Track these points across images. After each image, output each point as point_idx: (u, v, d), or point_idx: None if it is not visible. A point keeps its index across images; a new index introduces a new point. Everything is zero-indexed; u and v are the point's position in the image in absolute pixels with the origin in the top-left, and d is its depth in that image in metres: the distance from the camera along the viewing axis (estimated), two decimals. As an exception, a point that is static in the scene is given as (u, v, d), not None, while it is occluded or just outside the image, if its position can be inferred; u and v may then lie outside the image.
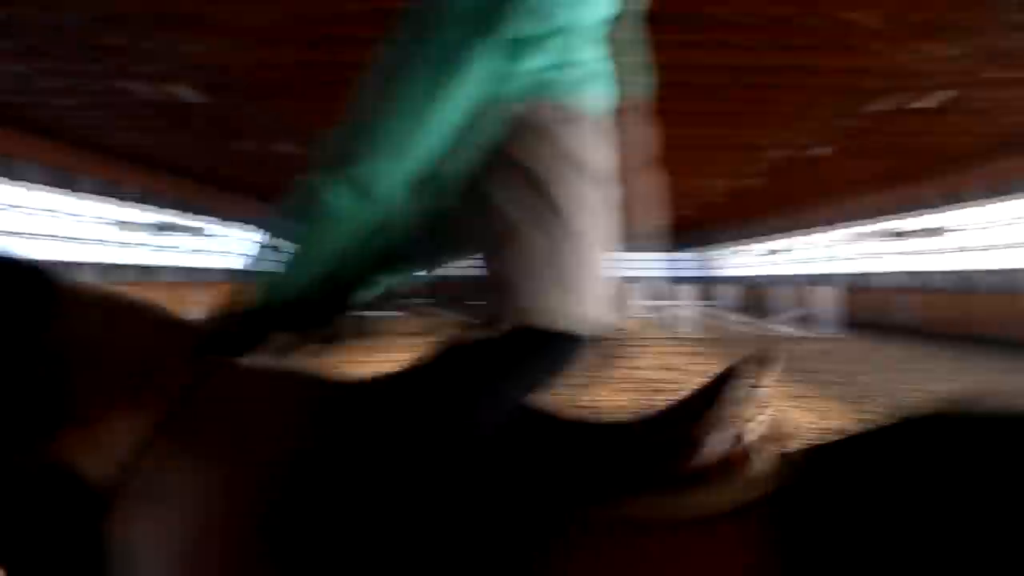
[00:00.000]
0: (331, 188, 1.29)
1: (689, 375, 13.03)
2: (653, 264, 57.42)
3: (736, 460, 1.35)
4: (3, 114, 18.11)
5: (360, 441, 1.25)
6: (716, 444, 1.36)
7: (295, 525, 1.15)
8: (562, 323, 1.36)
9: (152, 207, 26.71)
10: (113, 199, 24.50)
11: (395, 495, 1.18)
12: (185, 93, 15.31)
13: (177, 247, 28.89)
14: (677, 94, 15.92)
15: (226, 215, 32.62)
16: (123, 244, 25.12)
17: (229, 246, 32.65)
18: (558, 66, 1.33)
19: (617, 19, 1.50)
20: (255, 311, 1.40)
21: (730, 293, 38.07)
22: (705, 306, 30.08)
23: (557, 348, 1.37)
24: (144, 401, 1.34)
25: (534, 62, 1.32)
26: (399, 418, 1.29)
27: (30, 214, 20.67)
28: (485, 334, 1.37)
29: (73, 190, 22.42)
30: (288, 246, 1.36)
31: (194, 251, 30.26)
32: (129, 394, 1.32)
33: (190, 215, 29.54)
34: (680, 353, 17.26)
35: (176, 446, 1.26)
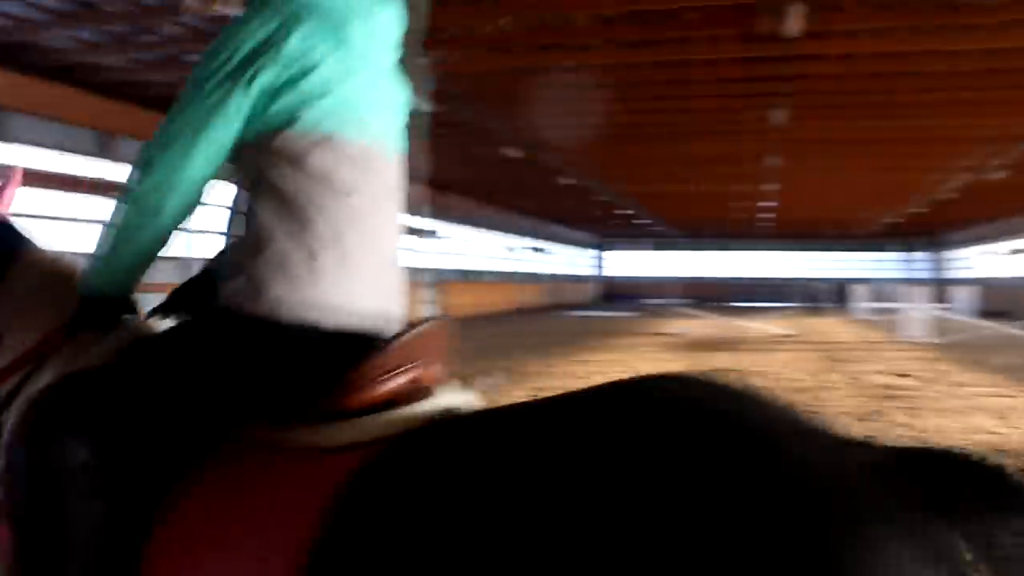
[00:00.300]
0: (126, 199, 1.65)
1: (925, 382, 12.47)
2: (883, 265, 54.24)
3: (398, 399, 1.56)
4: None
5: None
6: (381, 386, 1.56)
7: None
8: (304, 314, 1.61)
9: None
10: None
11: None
12: (418, 102, 16.19)
13: (413, 249, 30.44)
14: (909, 85, 15.07)
15: (458, 218, 34.07)
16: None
17: (461, 247, 34.11)
18: (309, 102, 1.61)
19: (383, 52, 1.81)
20: (90, 293, 1.71)
21: (967, 295, 35.32)
22: (939, 309, 28.12)
23: (295, 335, 1.61)
24: (13, 360, 1.72)
25: (286, 102, 1.60)
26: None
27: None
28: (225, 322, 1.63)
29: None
30: (107, 239, 1.68)
31: (429, 253, 31.78)
32: (10, 349, 1.73)
33: (423, 219, 30.94)
34: (914, 358, 16.34)
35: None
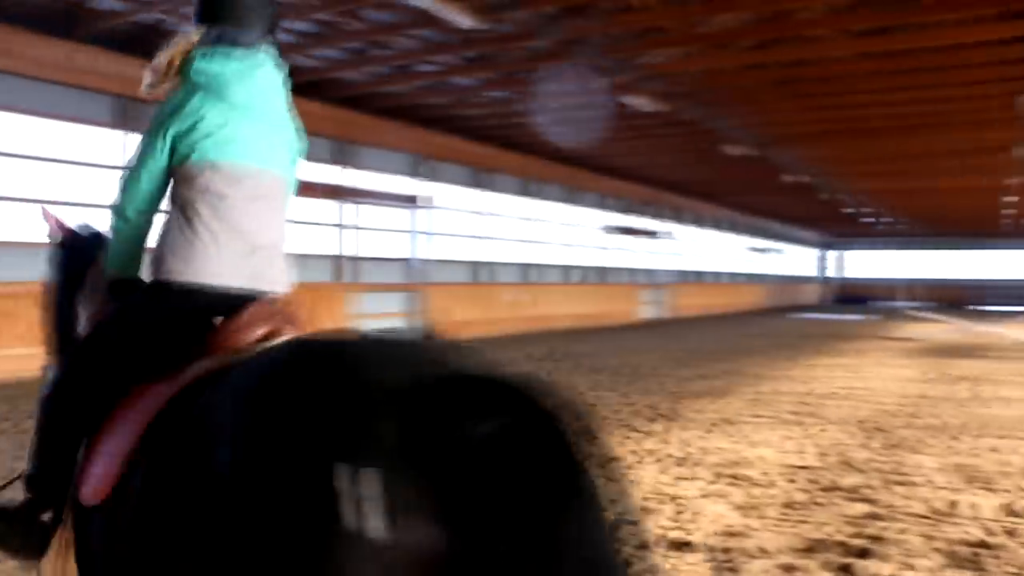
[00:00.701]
0: (112, 213, 2.52)
1: None
2: None
3: (248, 347, 2.25)
4: (488, 134, 20.69)
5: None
6: (235, 336, 2.28)
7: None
8: (185, 281, 2.40)
9: (610, 211, 28.65)
10: (572, 204, 26.74)
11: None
12: (641, 102, 16.18)
13: (632, 250, 30.56)
14: None
15: (682, 218, 33.88)
16: (583, 246, 27.31)
17: (685, 248, 33.80)
18: (199, 141, 2.40)
19: (264, 100, 2.55)
20: (108, 276, 2.62)
21: None
22: None
23: (186, 296, 2.41)
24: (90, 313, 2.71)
25: (186, 143, 2.41)
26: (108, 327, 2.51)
27: (504, 219, 23.38)
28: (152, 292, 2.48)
29: (540, 197, 24.92)
30: (111, 242, 2.58)
31: (650, 253, 31.80)
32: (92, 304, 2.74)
33: (648, 220, 31.10)
34: None
35: None
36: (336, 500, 1.37)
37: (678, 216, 34.97)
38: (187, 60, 2.50)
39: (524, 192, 24.16)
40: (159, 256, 2.45)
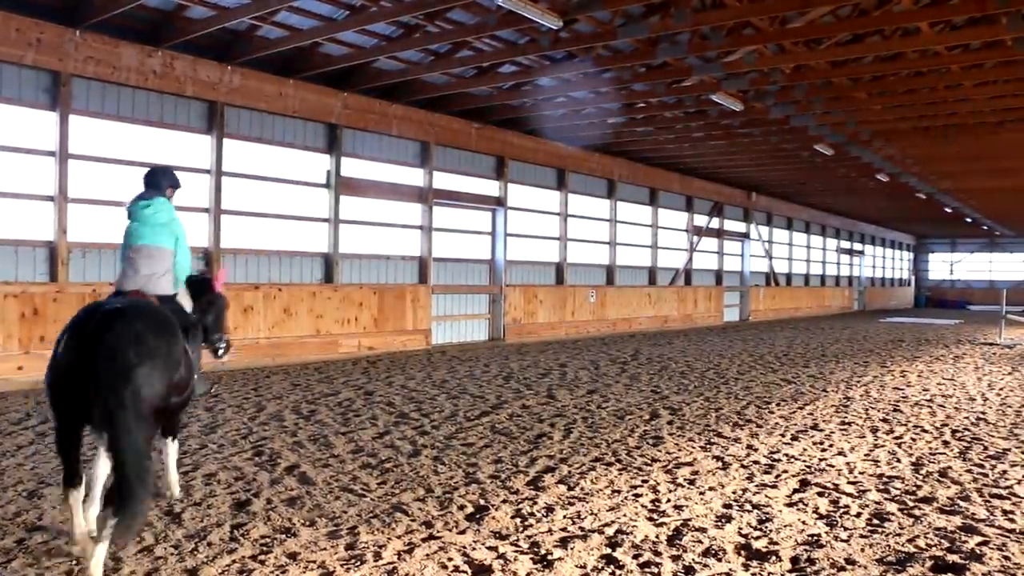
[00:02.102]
0: (186, 271, 5.94)
1: None
2: None
3: None
4: (570, 134, 20.69)
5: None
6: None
7: None
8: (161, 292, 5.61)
9: (695, 212, 28.38)
10: (657, 205, 26.57)
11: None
12: (728, 101, 15.94)
13: (718, 252, 30.24)
14: None
15: (766, 219, 33.35)
16: (668, 248, 27.12)
17: (769, 250, 33.21)
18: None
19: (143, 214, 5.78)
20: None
21: None
22: None
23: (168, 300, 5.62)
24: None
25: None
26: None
27: (588, 221, 23.44)
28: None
29: (625, 199, 24.84)
30: (185, 271, 5.94)
31: (736, 255, 31.41)
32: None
33: (732, 220, 30.71)
34: None
35: None
36: (58, 343, 4.34)
37: (765, 217, 34.37)
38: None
39: (608, 194, 24.08)
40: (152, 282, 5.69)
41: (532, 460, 7.11)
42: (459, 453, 7.37)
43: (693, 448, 7.71)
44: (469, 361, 15.39)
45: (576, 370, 14.11)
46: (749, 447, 7.76)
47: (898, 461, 7.23)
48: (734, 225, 31.75)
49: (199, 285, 6.21)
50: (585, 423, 8.97)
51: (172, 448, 5.78)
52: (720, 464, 7.03)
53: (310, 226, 15.59)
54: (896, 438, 8.34)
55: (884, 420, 9.41)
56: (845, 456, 7.41)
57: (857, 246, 45.85)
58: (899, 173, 26.09)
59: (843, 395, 11.47)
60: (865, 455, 7.47)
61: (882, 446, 7.90)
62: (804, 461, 7.18)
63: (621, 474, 6.65)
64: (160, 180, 5.87)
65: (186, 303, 5.93)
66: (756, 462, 7.12)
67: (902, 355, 18.05)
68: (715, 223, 30.22)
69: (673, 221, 27.80)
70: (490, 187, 19.87)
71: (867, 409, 10.21)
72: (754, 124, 19.07)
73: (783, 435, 8.38)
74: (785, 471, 6.79)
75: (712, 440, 8.09)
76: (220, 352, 6.28)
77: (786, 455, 7.42)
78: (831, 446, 7.87)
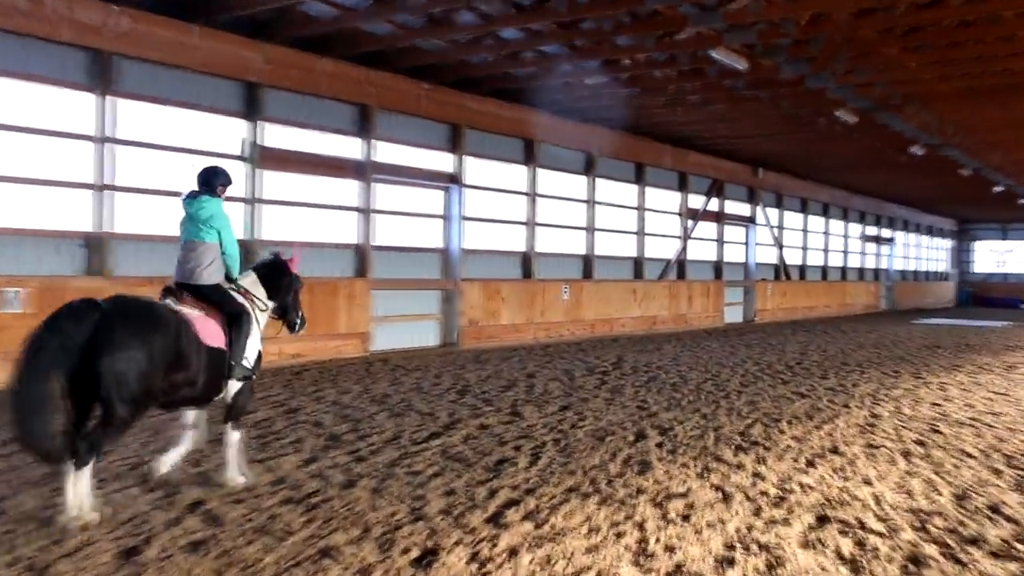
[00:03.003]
0: (237, 261, 7.82)
1: None
2: None
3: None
4: (539, 99, 20.66)
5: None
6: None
7: None
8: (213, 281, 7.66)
9: (691, 192, 28.56)
10: (644, 184, 26.71)
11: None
12: (730, 58, 15.93)
13: (718, 240, 30.45)
14: None
15: (776, 200, 33.62)
16: (659, 235, 27.27)
17: (783, 236, 33.49)
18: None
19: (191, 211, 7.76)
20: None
21: None
22: None
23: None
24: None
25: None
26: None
27: (561, 202, 23.43)
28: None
29: (605, 176, 24.90)
30: (236, 262, 7.82)
31: (740, 244, 31.64)
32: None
33: (736, 201, 30.96)
34: None
35: None
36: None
37: (774, 198, 34.64)
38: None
39: (586, 170, 24.09)
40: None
41: (492, 492, 7.09)
42: (403, 484, 7.33)
43: (687, 476, 7.72)
44: (416, 371, 15.33)
45: (546, 382, 14.10)
46: (755, 475, 7.78)
47: (937, 493, 7.26)
48: (737, 207, 31.94)
49: (275, 269, 8.14)
50: (557, 446, 8.96)
51: (232, 437, 7.33)
52: (720, 495, 7.03)
53: (226, 208, 15.32)
54: (934, 464, 8.40)
55: (919, 442, 9.48)
56: (872, 486, 7.44)
57: (886, 232, 46.50)
58: (938, 144, 26.32)
59: (869, 412, 11.55)
60: (897, 485, 7.50)
61: (917, 474, 7.94)
62: (822, 492, 7.19)
63: (600, 508, 6.63)
64: (211, 179, 7.75)
65: (256, 289, 7.90)
66: (764, 493, 7.13)
67: (940, 364, 18.26)
68: (714, 205, 30.37)
69: (664, 203, 27.90)
70: (443, 161, 19.77)
71: (898, 429, 10.28)
72: (762, 86, 19.14)
73: (796, 460, 8.41)
74: (799, 504, 6.80)
75: (710, 466, 8.09)
76: (297, 328, 8.37)
77: (800, 484, 7.43)
78: (855, 473, 7.89)
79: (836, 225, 40.82)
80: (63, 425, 5.88)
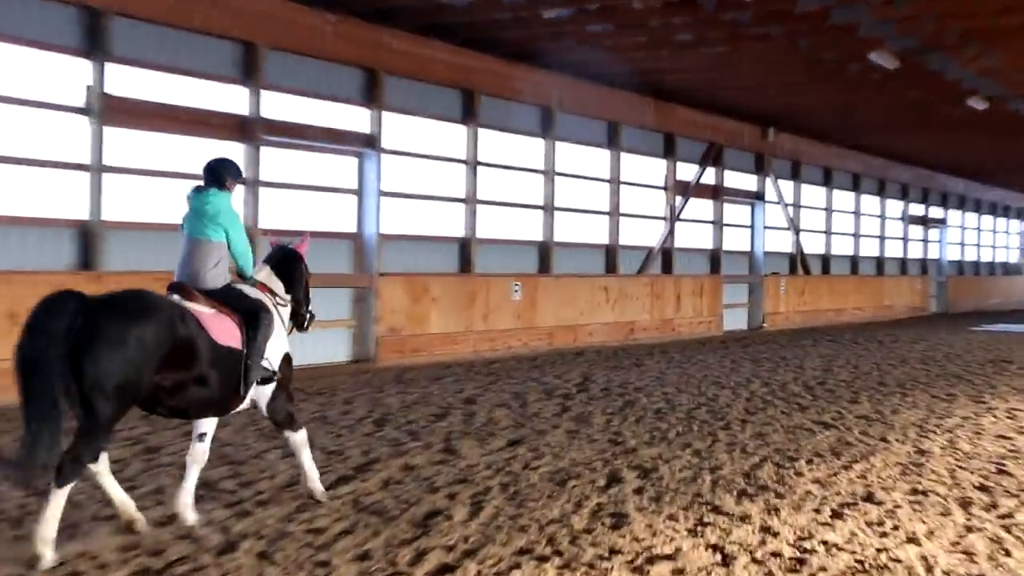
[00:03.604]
0: (248, 259, 9.12)
1: None
2: None
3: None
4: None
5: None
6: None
7: None
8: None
9: (682, 160, 28.57)
10: (617, 149, 26.66)
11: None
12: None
13: (712, 221, 30.52)
14: None
15: (790, 167, 33.74)
16: (635, 216, 27.26)
17: (796, 218, 33.64)
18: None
19: (195, 204, 8.94)
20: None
21: None
22: None
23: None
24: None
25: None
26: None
27: (507, 172, 23.39)
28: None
29: (565, 138, 24.88)
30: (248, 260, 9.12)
31: (742, 227, 31.73)
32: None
33: (734, 171, 31.01)
34: None
35: None
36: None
37: (789, 168, 34.87)
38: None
39: (543, 129, 24.08)
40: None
41: (420, 554, 7.11)
42: (300, 546, 7.33)
43: (676, 532, 7.74)
44: (320, 395, 15.32)
45: (491, 408, 14.15)
46: (764, 529, 7.81)
47: (1006, 554, 7.35)
48: (740, 179, 32.19)
49: (287, 258, 9.47)
50: (505, 493, 8.98)
51: (296, 439, 8.77)
52: (719, 557, 7.05)
53: (56, 176, 15.40)
54: (1002, 517, 8.47)
55: (982, 487, 9.57)
56: (919, 545, 7.51)
57: (936, 212, 47.12)
58: (1005, 97, 26.55)
59: (914, 447, 11.66)
60: (952, 544, 7.57)
61: (980, 529, 8.02)
62: (853, 552, 7.24)
63: (563, 574, 6.66)
64: (220, 172, 8.85)
65: (273, 283, 9.18)
66: (776, 554, 7.17)
67: (1009, 384, 18.51)
68: (710, 176, 30.56)
69: (645, 173, 28.07)
70: (355, 117, 19.80)
71: (953, 470, 10.38)
72: (773, 20, 19.24)
73: (818, 511, 8.46)
74: (823, 569, 6.84)
75: (706, 518, 8.11)
76: (305, 325, 9.67)
77: (824, 543, 7.47)
78: (896, 528, 7.96)
79: (870, 203, 41.35)
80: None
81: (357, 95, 19.70)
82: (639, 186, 27.80)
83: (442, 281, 21.15)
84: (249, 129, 17.52)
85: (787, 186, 34.75)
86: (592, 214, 26.15)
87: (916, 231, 45.07)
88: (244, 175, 17.59)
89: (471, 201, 22.12)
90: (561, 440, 11.70)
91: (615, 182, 26.64)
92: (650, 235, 28.35)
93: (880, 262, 42.06)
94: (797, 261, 35.15)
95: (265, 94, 17.84)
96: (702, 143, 30.01)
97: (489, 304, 22.06)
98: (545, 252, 24.27)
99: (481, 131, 22.34)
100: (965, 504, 8.79)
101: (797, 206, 35.38)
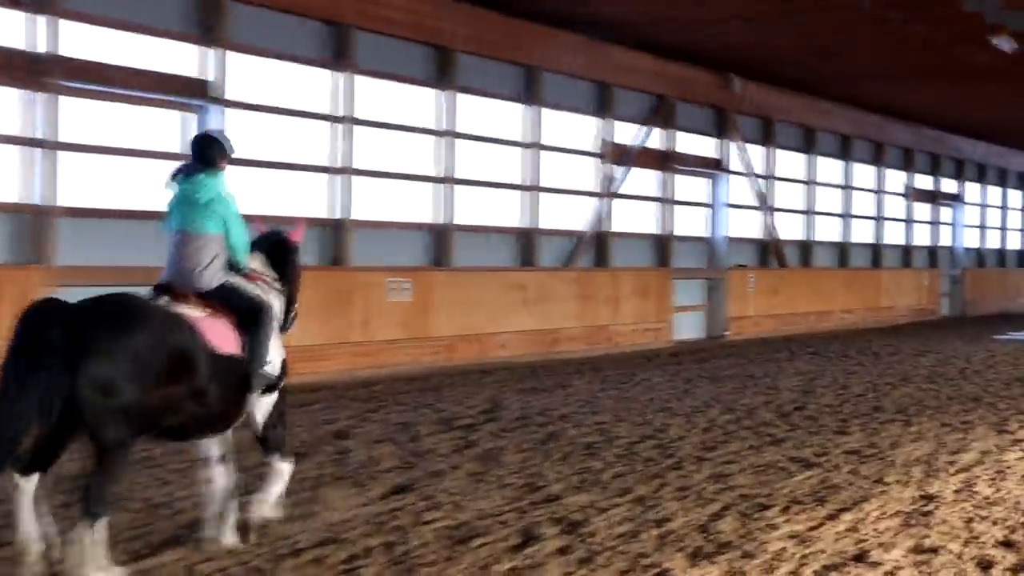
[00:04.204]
0: (245, 255, 9.92)
1: None
2: None
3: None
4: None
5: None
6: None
7: None
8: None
9: (617, 119, 28.69)
10: (533, 104, 26.73)
11: None
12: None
13: (658, 197, 30.71)
14: None
15: (753, 128, 34.02)
16: (557, 189, 27.34)
17: (754, 192, 33.93)
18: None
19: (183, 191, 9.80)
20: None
21: None
22: None
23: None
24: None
25: None
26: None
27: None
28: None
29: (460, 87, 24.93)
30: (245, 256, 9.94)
31: (698, 205, 31.95)
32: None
33: (691, 133, 31.23)
34: None
35: None
36: None
37: (759, 127, 35.18)
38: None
39: (438, 76, 24.09)
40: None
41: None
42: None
43: (614, 605, 7.74)
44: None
45: (370, 444, 14.25)
46: (729, 600, 7.86)
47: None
48: (696, 143, 32.52)
49: (280, 245, 10.35)
50: (388, 555, 9.02)
51: (280, 468, 9.68)
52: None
53: None
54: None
55: (1006, 543, 9.70)
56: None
57: (949, 185, 47.69)
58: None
59: (919, 491, 11.81)
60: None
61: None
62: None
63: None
64: (207, 150, 9.44)
65: (268, 272, 9.97)
66: (743, 631, 7.20)
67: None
68: (657, 139, 30.72)
69: (571, 135, 28.15)
70: (186, 58, 19.78)
71: (970, 520, 10.52)
72: None
73: (796, 573, 8.57)
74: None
75: (653, 586, 8.18)
76: (287, 326, 10.38)
77: (804, 615, 7.52)
78: (895, 596, 8.04)
79: (864, 173, 42.00)
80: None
81: (189, 28, 19.87)
82: (564, 151, 27.94)
83: (304, 278, 20.98)
84: (42, 72, 17.45)
85: (756, 152, 35.07)
86: (503, 188, 26.25)
87: (923, 210, 45.53)
88: (32, 135, 17.60)
89: (343, 171, 22.03)
90: (462, 485, 11.77)
91: (533, 146, 26.74)
92: (579, 216, 28.47)
93: (877, 251, 42.68)
94: (769, 250, 35.47)
95: (63, 25, 17.81)
96: (647, 96, 30.18)
97: (368, 308, 22.06)
98: (441, 239, 24.33)
99: (357, 78, 22.33)
100: (985, 565, 8.93)
101: (770, 178, 35.69)
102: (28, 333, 7.76)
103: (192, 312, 8.61)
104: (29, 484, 7.94)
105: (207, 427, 8.89)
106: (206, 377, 8.42)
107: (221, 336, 8.69)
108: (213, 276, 9.16)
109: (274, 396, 9.46)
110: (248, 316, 9.07)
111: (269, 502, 9.51)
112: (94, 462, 7.90)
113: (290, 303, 10.42)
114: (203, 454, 9.37)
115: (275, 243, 10.28)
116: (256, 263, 9.88)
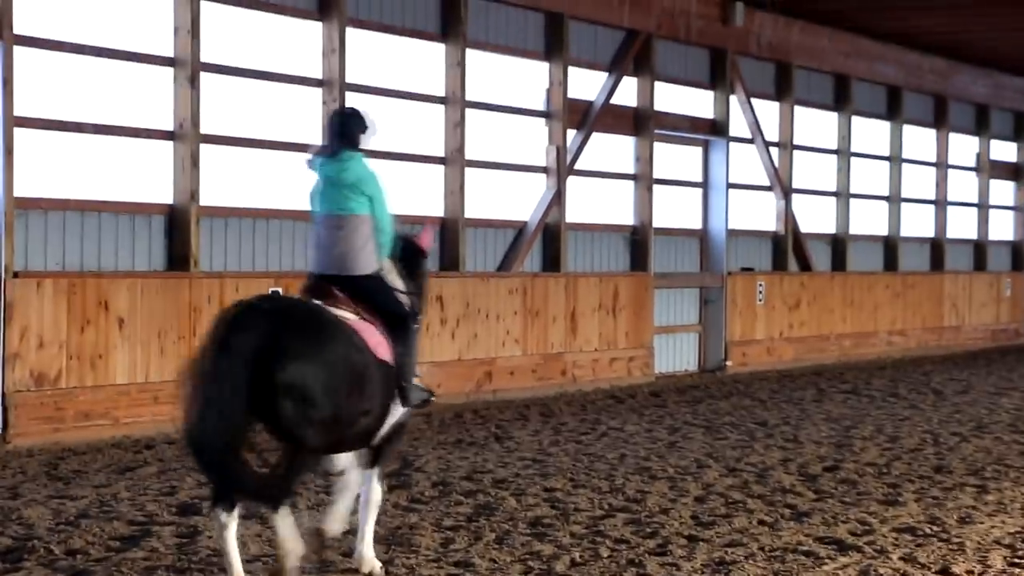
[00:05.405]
0: (391, 240, 12.76)
1: None
2: None
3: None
4: None
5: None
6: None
7: None
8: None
9: (574, 65, 28.87)
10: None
11: None
12: None
13: (631, 175, 30.92)
14: None
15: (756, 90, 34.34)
16: (496, 164, 27.57)
17: (766, 168, 34.17)
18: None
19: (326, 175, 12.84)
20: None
21: None
22: None
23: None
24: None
25: None
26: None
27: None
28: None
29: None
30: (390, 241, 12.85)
31: (676, 184, 32.21)
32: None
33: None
34: None
35: None
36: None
37: (772, 76, 35.46)
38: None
39: (320, 10, 24.20)
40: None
41: None
42: None
43: None
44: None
45: (241, 518, 14.01)
46: None
47: None
48: (684, 97, 32.62)
49: (409, 250, 12.35)
50: None
51: (374, 492, 11.56)
52: None
53: None
54: None
55: None
56: None
57: (1011, 151, 48.26)
58: None
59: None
60: None
61: None
62: None
63: None
64: (349, 127, 11.53)
65: (395, 280, 11.78)
66: None
67: None
68: (630, 91, 30.85)
69: (510, 88, 28.21)
70: None
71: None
72: None
73: None
74: None
75: None
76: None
77: None
78: None
79: (920, 139, 42.10)
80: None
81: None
82: (502, 111, 28.03)
83: (135, 286, 20.93)
84: None
85: (768, 109, 35.26)
86: (418, 162, 26.32)
87: (1004, 191, 45.78)
88: None
89: (188, 139, 21.99)
90: (359, 578, 11.74)
91: (457, 103, 26.77)
92: (522, 202, 28.54)
93: (938, 248, 42.86)
94: (787, 247, 35.63)
95: None
96: (615, 31, 30.28)
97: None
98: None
99: (202, 5, 22.32)
100: None
101: (787, 146, 35.84)
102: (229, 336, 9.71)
103: (348, 316, 10.50)
104: (233, 521, 9.85)
105: (363, 441, 10.85)
106: (374, 391, 10.36)
107: (379, 343, 10.55)
108: (368, 260, 11.28)
109: (406, 414, 11.25)
110: (398, 321, 11.05)
111: (339, 514, 11.28)
112: (285, 461, 9.92)
113: (418, 313, 12.20)
114: (338, 468, 11.27)
115: (407, 248, 12.23)
116: (386, 269, 11.67)
